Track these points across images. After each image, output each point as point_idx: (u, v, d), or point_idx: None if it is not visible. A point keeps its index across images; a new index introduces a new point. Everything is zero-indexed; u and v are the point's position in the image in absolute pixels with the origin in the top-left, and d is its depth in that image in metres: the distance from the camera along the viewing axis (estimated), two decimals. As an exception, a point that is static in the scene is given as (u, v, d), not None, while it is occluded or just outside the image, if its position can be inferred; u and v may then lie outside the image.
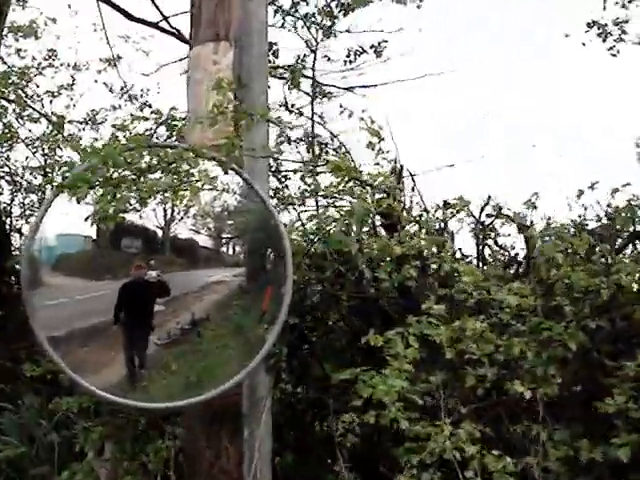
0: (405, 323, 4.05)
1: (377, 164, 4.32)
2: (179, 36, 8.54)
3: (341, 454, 4.53)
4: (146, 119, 3.44)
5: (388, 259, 4.58)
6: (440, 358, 4.07)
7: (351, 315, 4.89)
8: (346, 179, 3.84)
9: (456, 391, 3.93)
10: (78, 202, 3.26)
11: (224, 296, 8.08)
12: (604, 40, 8.82)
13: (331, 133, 3.78)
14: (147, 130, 4.72)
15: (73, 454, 5.44)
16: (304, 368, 5.09)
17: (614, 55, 8.92)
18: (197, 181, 3.95)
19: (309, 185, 4.72)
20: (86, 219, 4.23)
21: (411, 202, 4.77)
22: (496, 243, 5.30)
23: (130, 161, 3.45)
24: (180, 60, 8.28)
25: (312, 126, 7.73)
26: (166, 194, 4.12)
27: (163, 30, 8.93)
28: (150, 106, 8.50)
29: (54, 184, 3.11)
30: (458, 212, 4.68)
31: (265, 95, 4.86)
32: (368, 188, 4.36)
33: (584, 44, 8.98)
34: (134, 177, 3.52)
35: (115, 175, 3.50)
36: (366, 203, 3.91)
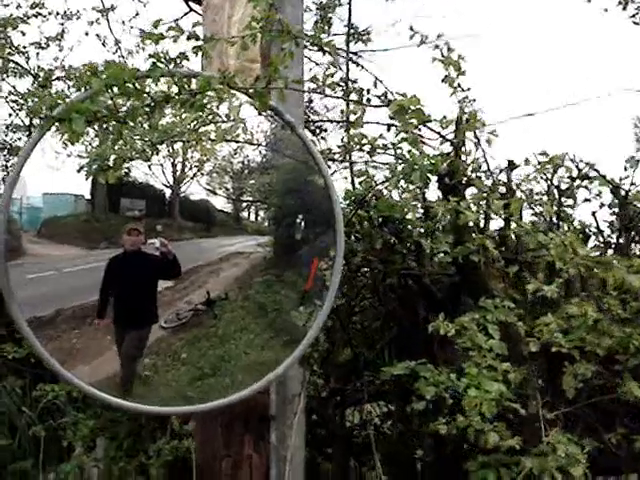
0: (457, 307, 3.87)
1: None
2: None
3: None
4: (162, 37, 2.86)
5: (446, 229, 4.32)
6: (517, 352, 3.84)
7: (388, 295, 4.72)
8: (413, 123, 3.46)
9: (549, 394, 3.69)
10: (72, 142, 2.71)
11: (246, 271, 7.89)
12: (624, 8, 9.08)
13: (375, 77, 3.46)
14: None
15: (60, 449, 5.35)
16: (330, 354, 4.97)
17: (637, 23, 9.16)
18: (224, 122, 3.59)
19: (353, 137, 4.40)
20: (79, 170, 3.93)
21: (485, 158, 4.42)
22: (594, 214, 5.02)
23: (141, 89, 2.86)
24: (183, 16, 8.04)
25: (347, 68, 7.29)
26: (184, 138, 3.80)
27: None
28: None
29: (40, 116, 2.57)
30: (544, 170, 4.36)
31: (300, 25, 4.57)
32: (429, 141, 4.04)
33: (606, 10, 9.22)
34: (147, 111, 2.95)
35: (120, 108, 2.96)
36: (434, 157, 3.55)
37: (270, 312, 5.84)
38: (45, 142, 3.40)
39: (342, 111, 4.97)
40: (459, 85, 3.91)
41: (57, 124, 2.44)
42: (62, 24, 9.17)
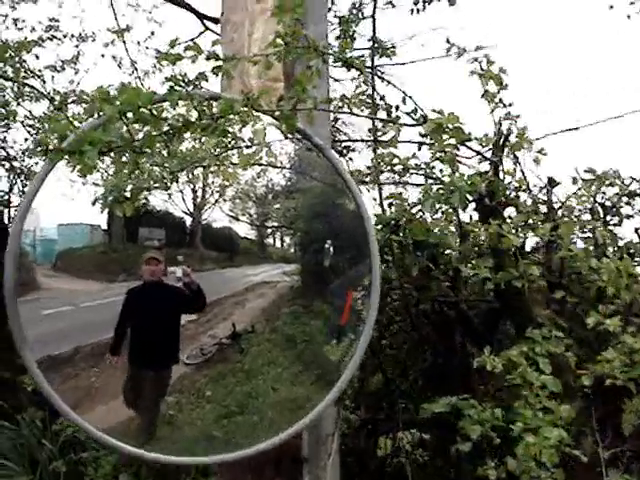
0: (494, 334, 3.80)
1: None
2: (193, 10, 8.39)
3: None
4: (179, 58, 2.71)
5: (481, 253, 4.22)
6: (568, 385, 3.71)
7: (421, 320, 4.62)
8: (450, 143, 3.35)
9: (604, 432, 3.55)
10: (84, 175, 2.53)
11: (272, 301, 7.79)
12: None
13: (404, 93, 3.34)
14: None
15: (83, 485, 5.28)
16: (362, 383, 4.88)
17: (665, 25, 9.98)
18: (248, 147, 3.46)
19: (382, 157, 4.32)
20: (94, 202, 3.90)
21: (524, 177, 4.31)
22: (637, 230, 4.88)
23: (158, 115, 2.68)
24: (199, 35, 8.12)
25: (372, 83, 7.25)
26: (205, 164, 3.74)
27: (176, 3, 8.81)
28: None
29: (49, 148, 2.37)
30: (589, 188, 4.23)
31: (325, 42, 4.51)
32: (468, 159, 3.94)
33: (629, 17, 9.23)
34: (164, 138, 2.79)
35: (136, 134, 2.79)
36: (473, 177, 3.43)
37: (299, 344, 5.74)
38: (59, 170, 3.34)
39: (370, 130, 4.87)
40: (500, 100, 3.80)
41: (67, 156, 2.33)
42: (77, 46, 9.21)
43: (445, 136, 3.21)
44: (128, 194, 3.27)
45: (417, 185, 4.30)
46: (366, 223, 2.93)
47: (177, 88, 2.52)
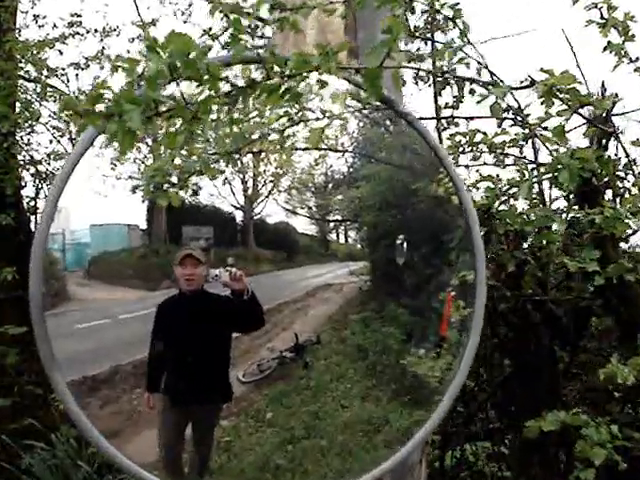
0: (582, 336, 3.64)
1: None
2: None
3: None
4: (239, 8, 2.37)
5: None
6: None
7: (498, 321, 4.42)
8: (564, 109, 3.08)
9: None
10: (123, 151, 2.16)
11: (339, 307, 7.63)
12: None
13: (481, 56, 3.09)
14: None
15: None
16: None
17: None
18: (317, 119, 3.22)
19: (465, 134, 4.08)
20: (134, 190, 3.68)
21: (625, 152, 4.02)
22: None
23: (216, 73, 2.18)
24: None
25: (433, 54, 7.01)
26: (267, 142, 3.49)
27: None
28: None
29: (79, 111, 1.92)
30: None
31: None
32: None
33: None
34: (225, 100, 2.32)
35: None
36: (582, 152, 3.16)
37: (371, 356, 5.60)
38: (89, 164, 3.21)
39: (448, 104, 4.63)
40: (626, 54, 3.48)
41: (104, 122, 1.98)
42: (101, 41, 9.36)
43: (566, 99, 2.94)
44: (174, 179, 3.01)
45: (498, 165, 4.05)
46: (468, 212, 2.64)
47: (242, 37, 2.18)
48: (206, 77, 1.87)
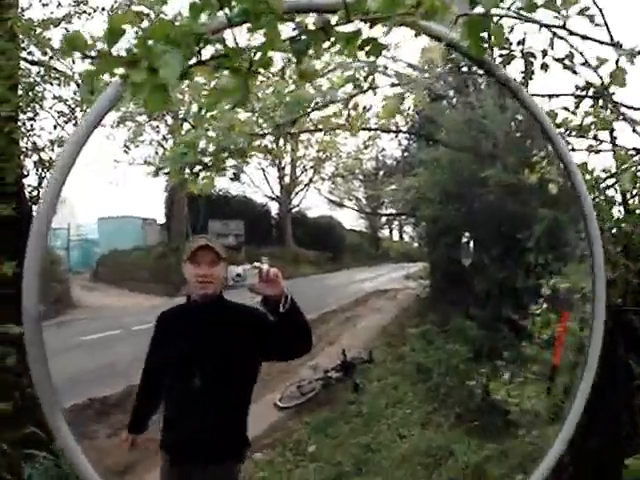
0: None
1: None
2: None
3: None
4: None
5: None
6: None
7: None
8: None
9: None
10: (152, 111, 1.88)
11: (394, 317, 7.42)
12: None
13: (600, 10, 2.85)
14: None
15: None
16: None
17: None
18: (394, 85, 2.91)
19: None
20: (157, 173, 3.35)
21: None
22: None
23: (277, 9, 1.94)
24: None
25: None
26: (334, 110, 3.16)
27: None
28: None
29: (92, 54, 1.54)
30: None
31: None
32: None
33: None
34: (293, 47, 2.05)
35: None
36: None
37: (435, 377, 5.40)
38: (98, 148, 3.00)
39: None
40: None
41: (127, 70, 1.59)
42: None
43: None
44: (207, 159, 2.63)
45: (591, 151, 3.78)
46: (583, 200, 2.34)
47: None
48: (266, 14, 1.54)
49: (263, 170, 15.39)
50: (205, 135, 2.73)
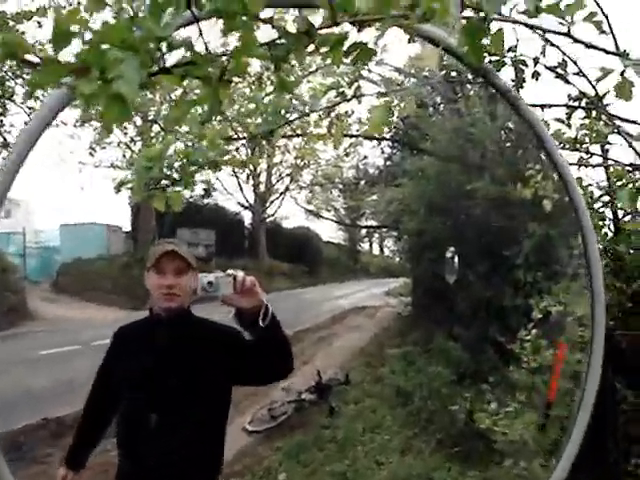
0: None
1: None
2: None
3: None
4: None
5: None
6: None
7: None
8: None
9: None
10: (108, 130, 1.80)
11: (373, 337, 7.40)
12: None
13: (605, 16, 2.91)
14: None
15: None
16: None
17: None
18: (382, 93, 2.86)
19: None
20: (119, 189, 3.28)
21: None
22: None
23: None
24: None
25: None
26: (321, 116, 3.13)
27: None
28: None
29: (29, 59, 1.50)
30: None
31: None
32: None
33: None
34: (270, 54, 1.96)
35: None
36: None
37: (416, 400, 5.39)
38: (62, 146, 2.96)
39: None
40: None
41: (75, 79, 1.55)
42: (91, 15, 9.68)
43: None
44: (176, 175, 2.54)
45: (582, 165, 3.86)
46: (581, 216, 2.33)
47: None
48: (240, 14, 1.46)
49: (237, 177, 15.37)
50: (174, 146, 2.67)
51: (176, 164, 2.69)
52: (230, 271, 1.98)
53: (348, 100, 2.77)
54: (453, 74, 3.59)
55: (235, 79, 1.59)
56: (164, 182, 2.72)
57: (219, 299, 2.03)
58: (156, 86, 1.57)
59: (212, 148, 2.64)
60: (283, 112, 2.72)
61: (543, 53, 3.24)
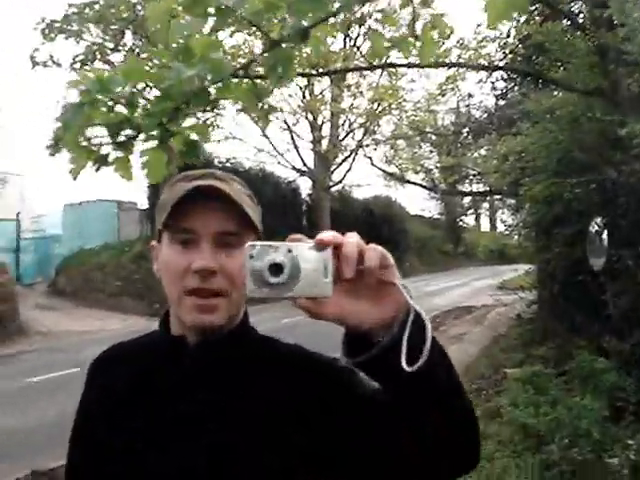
0: None
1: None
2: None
3: None
4: None
5: None
6: None
7: None
8: None
9: None
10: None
11: (485, 348, 6.95)
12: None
13: None
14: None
15: None
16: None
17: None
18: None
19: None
20: (55, 146, 2.68)
21: None
22: None
23: None
24: None
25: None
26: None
27: None
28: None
29: None
30: None
31: None
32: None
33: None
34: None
35: None
36: None
37: (555, 447, 4.84)
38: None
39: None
40: None
41: None
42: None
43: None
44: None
45: None
46: None
47: None
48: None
49: (290, 130, 14.76)
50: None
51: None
52: (320, 236, 1.01)
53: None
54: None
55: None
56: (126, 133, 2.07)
57: (297, 300, 1.02)
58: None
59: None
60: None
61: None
